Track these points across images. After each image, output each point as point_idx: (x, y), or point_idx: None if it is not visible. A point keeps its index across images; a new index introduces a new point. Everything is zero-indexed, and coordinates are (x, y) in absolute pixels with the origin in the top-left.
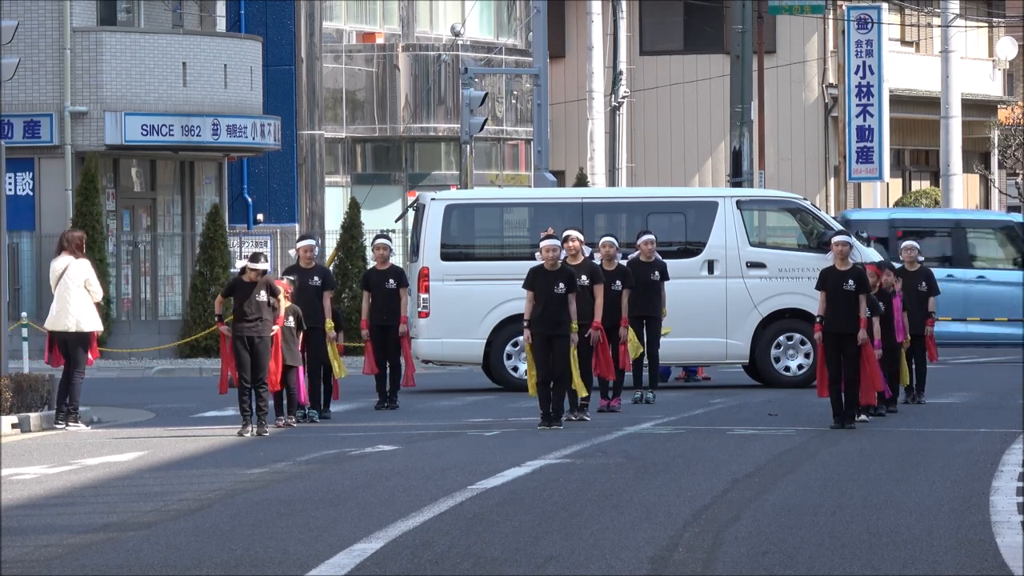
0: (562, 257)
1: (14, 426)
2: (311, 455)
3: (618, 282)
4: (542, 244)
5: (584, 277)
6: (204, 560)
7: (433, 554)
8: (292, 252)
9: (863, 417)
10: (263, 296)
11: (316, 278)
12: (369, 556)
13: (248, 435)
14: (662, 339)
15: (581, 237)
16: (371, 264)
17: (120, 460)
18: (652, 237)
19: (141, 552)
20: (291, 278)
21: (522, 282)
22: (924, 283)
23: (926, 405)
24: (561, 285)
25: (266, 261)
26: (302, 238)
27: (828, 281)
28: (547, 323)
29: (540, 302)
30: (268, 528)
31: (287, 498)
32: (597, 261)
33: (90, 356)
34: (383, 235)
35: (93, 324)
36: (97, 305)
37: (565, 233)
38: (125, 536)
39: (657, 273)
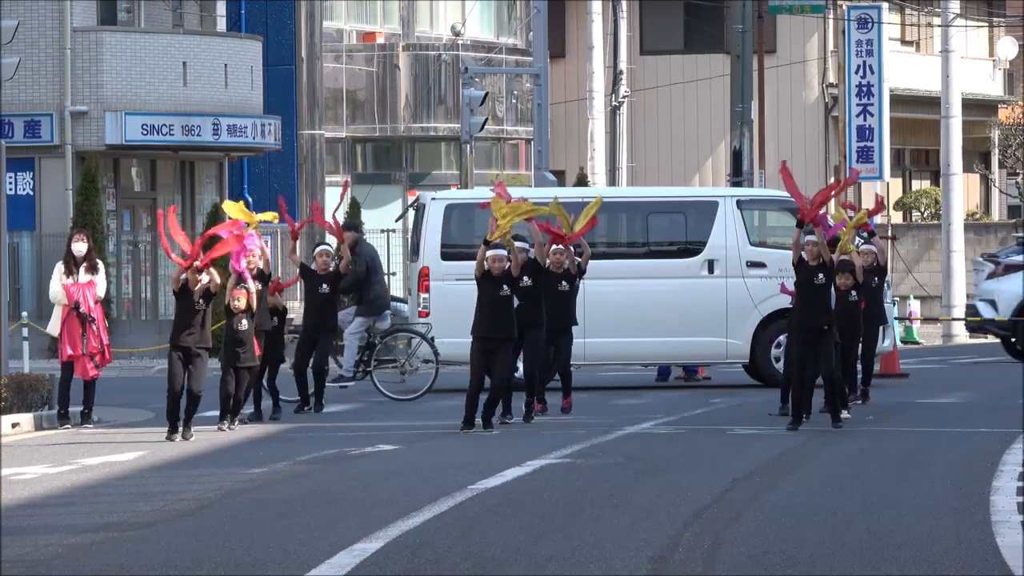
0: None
1: (14, 425)
2: (311, 455)
3: (563, 282)
4: (488, 254)
5: (525, 278)
6: (204, 560)
7: (433, 554)
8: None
9: (845, 414)
10: (201, 304)
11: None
12: (369, 556)
13: (176, 440)
14: (656, 340)
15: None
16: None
17: (120, 460)
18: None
19: (141, 552)
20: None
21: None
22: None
23: (928, 404)
24: (505, 287)
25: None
26: (318, 244)
27: (800, 273)
28: (493, 329)
29: (486, 307)
30: (268, 528)
31: (287, 498)
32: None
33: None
34: (325, 243)
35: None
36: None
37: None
38: (125, 536)
39: (565, 283)
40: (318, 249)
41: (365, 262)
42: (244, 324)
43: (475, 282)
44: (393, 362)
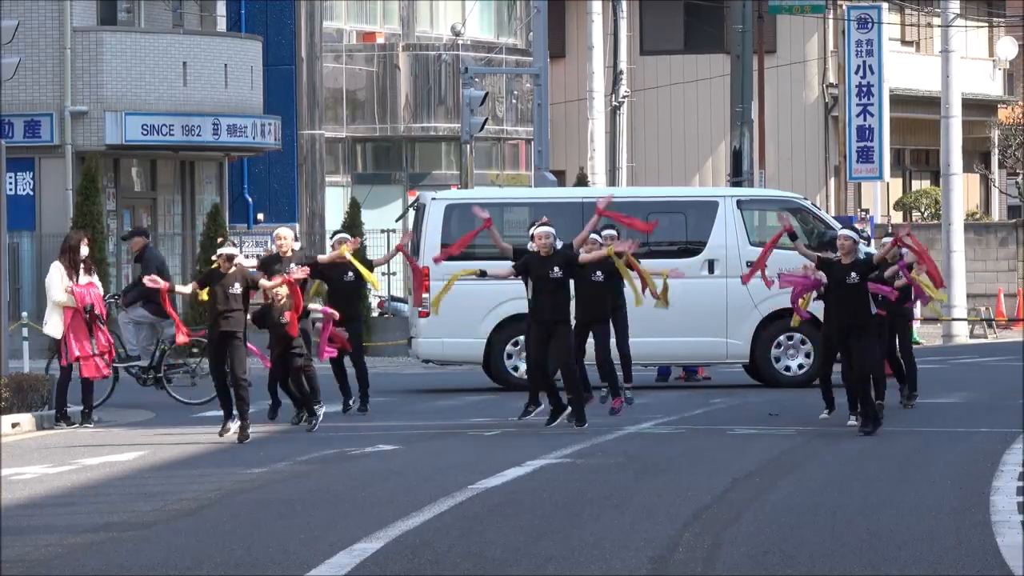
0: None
1: (14, 425)
2: (311, 455)
3: (599, 272)
4: (535, 231)
5: (556, 268)
6: (204, 560)
7: (433, 554)
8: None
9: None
10: (237, 288)
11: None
12: (369, 556)
13: (229, 434)
14: (656, 340)
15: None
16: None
17: (120, 460)
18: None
19: (141, 552)
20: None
21: (520, 282)
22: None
23: (928, 404)
24: (556, 269)
25: (233, 246)
26: (335, 233)
27: (831, 272)
28: (550, 312)
29: (541, 292)
30: (268, 528)
31: (287, 498)
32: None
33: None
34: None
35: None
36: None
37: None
38: (125, 536)
39: (599, 274)
40: (337, 236)
41: (155, 268)
42: (286, 317)
43: (520, 274)
44: (183, 367)
